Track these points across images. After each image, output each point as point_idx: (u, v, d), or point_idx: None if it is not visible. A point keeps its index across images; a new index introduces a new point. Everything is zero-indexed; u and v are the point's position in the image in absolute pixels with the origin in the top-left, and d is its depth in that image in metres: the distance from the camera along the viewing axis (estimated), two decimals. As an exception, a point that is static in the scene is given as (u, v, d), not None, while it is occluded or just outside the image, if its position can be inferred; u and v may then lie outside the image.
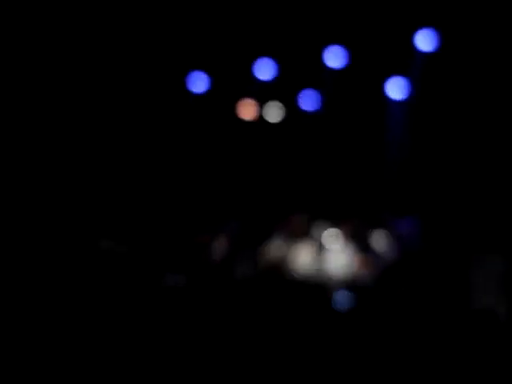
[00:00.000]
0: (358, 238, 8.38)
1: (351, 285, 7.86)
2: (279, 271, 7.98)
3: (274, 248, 8.06)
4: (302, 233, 8.66)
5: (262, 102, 9.21)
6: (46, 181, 8.32)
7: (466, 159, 8.16)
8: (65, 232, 7.93)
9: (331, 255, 8.28)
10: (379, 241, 7.85)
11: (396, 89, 8.61)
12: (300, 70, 8.77)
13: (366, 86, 8.67)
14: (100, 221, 8.32)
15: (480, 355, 4.90)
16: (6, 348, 4.42)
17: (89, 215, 8.33)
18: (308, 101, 9.17)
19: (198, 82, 9.17)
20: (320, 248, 8.49)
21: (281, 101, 9.21)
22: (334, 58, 8.58)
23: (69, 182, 8.56)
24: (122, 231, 8.27)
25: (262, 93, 9.14)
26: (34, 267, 6.80)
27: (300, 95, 9.13)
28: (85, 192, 8.61)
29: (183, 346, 5.14)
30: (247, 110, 9.32)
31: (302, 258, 8.36)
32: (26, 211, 7.88)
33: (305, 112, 9.28)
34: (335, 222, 8.57)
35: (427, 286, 7.13)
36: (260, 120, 9.37)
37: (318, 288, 7.97)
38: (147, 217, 8.96)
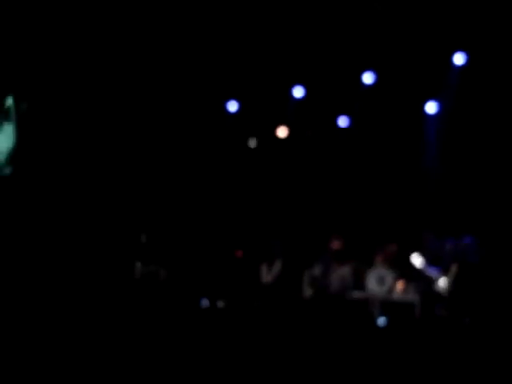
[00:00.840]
0: (399, 259, 8.31)
1: (392, 304, 7.82)
2: (324, 291, 7.97)
3: (319, 269, 8.04)
4: (343, 254, 8.63)
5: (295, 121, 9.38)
6: (86, 200, 8.45)
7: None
8: (104, 252, 8.02)
9: (373, 276, 8.23)
10: (420, 262, 7.74)
11: (432, 105, 8.66)
12: (334, 89, 8.82)
13: (401, 104, 8.70)
14: (139, 243, 8.38)
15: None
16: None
17: (129, 235, 8.42)
18: (344, 120, 9.29)
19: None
20: (362, 269, 8.46)
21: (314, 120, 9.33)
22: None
23: (110, 201, 8.67)
24: (162, 255, 8.32)
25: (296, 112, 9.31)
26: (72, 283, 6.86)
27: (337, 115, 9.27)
28: (126, 211, 8.74)
29: (230, 367, 5.08)
30: (282, 130, 9.56)
31: (346, 278, 8.34)
32: (68, 231, 7.98)
33: (341, 130, 9.36)
34: (376, 244, 8.52)
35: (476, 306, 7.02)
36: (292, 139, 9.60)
37: (359, 306, 7.93)
38: (190, 239, 9.06)
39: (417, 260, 7.76)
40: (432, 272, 7.40)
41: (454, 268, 7.09)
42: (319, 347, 5.79)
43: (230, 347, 5.68)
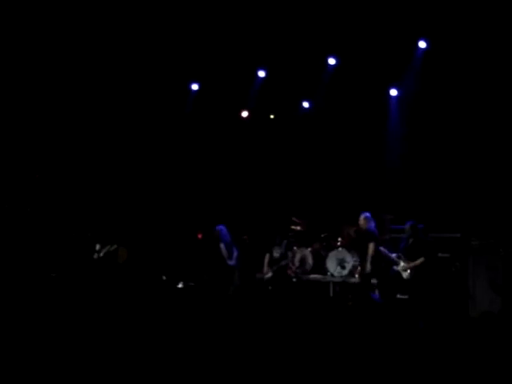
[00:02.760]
0: (359, 242, 8.34)
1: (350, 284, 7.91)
2: (284, 273, 8.00)
3: (278, 251, 8.06)
4: (304, 237, 8.66)
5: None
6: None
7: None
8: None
9: (334, 259, 8.28)
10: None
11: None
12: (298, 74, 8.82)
13: (365, 88, 8.73)
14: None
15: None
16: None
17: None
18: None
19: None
20: (322, 252, 8.51)
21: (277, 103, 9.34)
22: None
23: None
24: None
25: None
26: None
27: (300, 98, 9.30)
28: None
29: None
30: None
31: (306, 261, 8.39)
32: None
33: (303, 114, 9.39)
34: (337, 227, 8.55)
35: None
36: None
37: (320, 287, 8.00)
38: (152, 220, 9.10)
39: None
40: (391, 255, 7.43)
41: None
42: (279, 326, 5.83)
43: (190, 327, 5.69)
